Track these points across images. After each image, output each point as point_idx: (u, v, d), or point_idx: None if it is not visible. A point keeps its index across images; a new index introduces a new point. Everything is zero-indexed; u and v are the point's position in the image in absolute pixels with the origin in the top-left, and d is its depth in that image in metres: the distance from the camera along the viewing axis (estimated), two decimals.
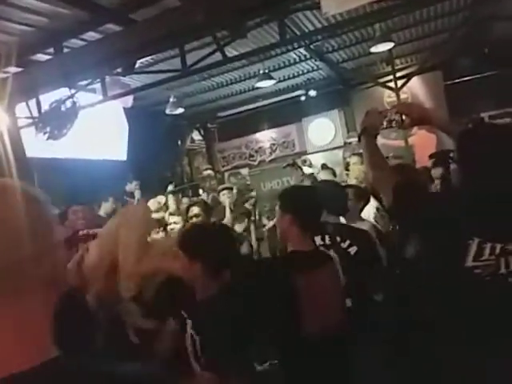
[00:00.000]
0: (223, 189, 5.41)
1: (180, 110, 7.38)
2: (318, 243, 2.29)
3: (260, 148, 9.59)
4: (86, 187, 6.56)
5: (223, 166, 9.91)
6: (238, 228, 4.57)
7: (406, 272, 2.14)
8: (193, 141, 10.15)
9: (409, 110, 1.94)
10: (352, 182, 4.60)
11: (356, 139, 7.97)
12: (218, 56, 3.99)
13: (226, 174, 9.77)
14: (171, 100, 7.09)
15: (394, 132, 7.63)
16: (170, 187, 6.81)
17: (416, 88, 7.94)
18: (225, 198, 5.01)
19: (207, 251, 1.67)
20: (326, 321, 1.80)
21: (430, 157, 4.31)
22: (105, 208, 6.38)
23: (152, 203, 6.31)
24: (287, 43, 4.52)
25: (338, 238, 2.39)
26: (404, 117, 1.95)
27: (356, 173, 4.56)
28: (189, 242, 1.70)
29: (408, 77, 7.28)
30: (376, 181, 1.87)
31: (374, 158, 1.84)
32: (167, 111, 7.19)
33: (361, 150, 7.27)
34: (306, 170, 6.38)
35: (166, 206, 6.29)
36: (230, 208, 4.81)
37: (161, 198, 6.36)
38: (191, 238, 1.75)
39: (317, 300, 1.79)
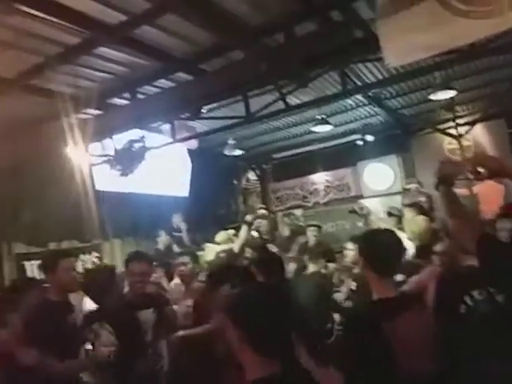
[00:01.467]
0: (310, 225, 5.52)
1: (238, 152, 7.66)
2: None
3: (314, 190, 9.61)
4: (147, 220, 6.95)
5: (276, 206, 10.00)
6: (312, 267, 4.48)
7: None
8: (248, 180, 10.39)
9: (486, 162, 1.90)
10: (408, 235, 4.36)
11: (415, 185, 7.85)
12: (280, 103, 4.17)
13: (279, 215, 9.85)
14: (230, 142, 7.39)
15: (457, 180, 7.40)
16: (249, 217, 6.90)
17: (479, 135, 7.70)
18: (311, 235, 5.01)
19: None
20: (418, 365, 1.73)
21: (502, 209, 4.10)
22: (162, 242, 6.70)
23: (221, 234, 6.44)
24: (348, 93, 4.63)
25: None
26: (480, 168, 1.92)
27: (412, 226, 4.36)
28: None
29: (470, 124, 7.10)
30: (457, 230, 1.87)
31: (454, 207, 1.84)
32: (226, 152, 7.49)
33: (419, 199, 7.07)
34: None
35: (235, 236, 6.37)
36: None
37: (230, 231, 6.52)
38: None
39: (406, 346, 1.72)
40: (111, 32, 3.29)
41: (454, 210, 1.83)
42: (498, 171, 1.86)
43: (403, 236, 4.27)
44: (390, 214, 6.34)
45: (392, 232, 2.14)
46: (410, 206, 4.77)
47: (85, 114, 4.58)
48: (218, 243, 6.28)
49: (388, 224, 6.01)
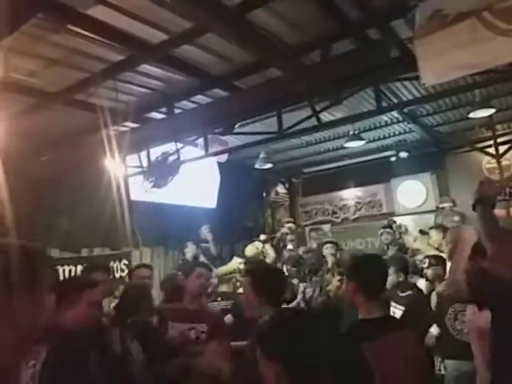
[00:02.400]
0: (327, 242, 5.48)
1: (268, 165, 7.68)
2: None
3: (344, 206, 9.50)
4: (176, 230, 7.06)
5: (305, 221, 9.93)
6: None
7: None
8: (277, 193, 10.38)
9: None
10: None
11: (449, 204, 7.63)
12: (312, 119, 4.18)
13: (307, 229, 9.77)
14: (261, 156, 7.42)
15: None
16: (263, 237, 6.96)
17: None
18: (328, 253, 5.01)
19: None
20: None
21: None
22: (189, 252, 6.82)
23: (250, 249, 6.52)
24: (383, 111, 4.59)
25: None
26: None
27: (434, 246, 4.28)
28: None
29: (511, 143, 6.87)
30: (495, 255, 1.76)
31: (493, 230, 1.76)
32: (256, 166, 7.53)
33: (453, 218, 6.86)
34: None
35: (262, 252, 6.44)
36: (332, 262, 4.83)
37: (258, 244, 6.57)
38: None
39: (386, 368, 1.69)
40: (153, 50, 3.41)
41: (493, 234, 1.75)
42: None
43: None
44: (422, 233, 6.22)
45: (378, 257, 2.26)
46: (437, 227, 4.68)
47: (123, 126, 4.72)
48: (247, 257, 6.33)
49: (421, 243, 5.88)
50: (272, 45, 3.31)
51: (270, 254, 6.17)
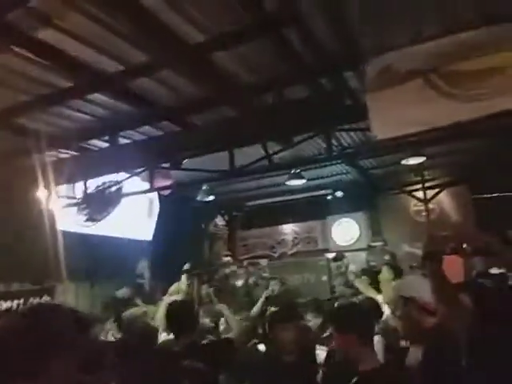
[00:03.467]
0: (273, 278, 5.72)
1: (210, 198, 7.56)
2: None
3: (282, 240, 9.59)
4: (108, 262, 6.59)
5: (243, 254, 9.85)
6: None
7: None
8: (216, 225, 10.23)
9: (471, 240, 1.89)
10: (384, 297, 4.38)
11: (381, 243, 7.98)
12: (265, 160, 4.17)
13: (245, 263, 9.67)
14: (203, 188, 7.30)
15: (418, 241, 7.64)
16: (186, 266, 6.68)
17: (443, 200, 8.04)
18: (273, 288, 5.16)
19: None
20: None
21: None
22: (122, 293, 6.36)
23: (174, 285, 6.19)
24: (334, 158, 4.73)
25: None
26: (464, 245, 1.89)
27: (389, 290, 4.33)
28: None
29: (438, 188, 7.41)
30: (446, 318, 1.75)
31: (443, 291, 1.74)
32: (198, 198, 7.38)
33: (384, 257, 7.13)
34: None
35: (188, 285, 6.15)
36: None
37: (182, 281, 6.30)
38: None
39: None
40: (105, 81, 3.23)
41: (444, 295, 1.74)
42: (482, 249, 1.84)
43: (379, 299, 4.26)
44: (364, 272, 6.40)
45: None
46: (390, 266, 4.81)
47: (62, 154, 4.39)
48: (170, 294, 6.03)
49: (360, 283, 6.02)
50: (228, 84, 3.29)
51: (182, 287, 5.94)
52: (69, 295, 6.52)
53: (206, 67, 2.99)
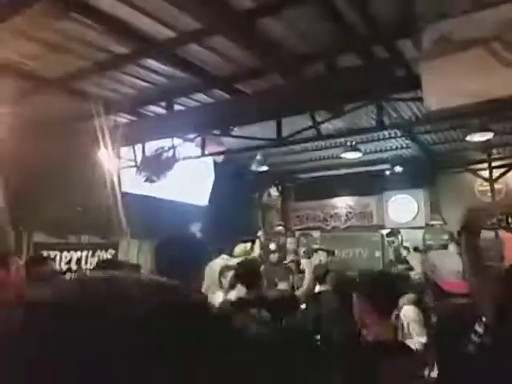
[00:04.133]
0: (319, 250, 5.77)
1: (264, 168, 7.66)
2: None
3: (335, 214, 9.52)
4: (165, 224, 7.00)
5: (295, 225, 9.95)
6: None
7: None
8: (270, 196, 10.36)
9: None
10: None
11: (439, 222, 7.67)
12: (312, 129, 4.16)
13: (297, 234, 9.78)
14: (257, 158, 7.40)
15: None
16: (260, 233, 7.01)
17: (511, 180, 7.51)
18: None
19: None
20: None
21: None
22: None
23: (239, 248, 6.54)
24: (383, 129, 4.59)
25: None
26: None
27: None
28: None
29: (506, 168, 6.91)
30: (476, 290, 1.70)
31: (475, 262, 1.70)
32: (252, 168, 7.50)
33: (442, 236, 6.89)
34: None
35: (251, 248, 6.47)
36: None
37: (248, 245, 6.62)
38: None
39: None
40: (158, 47, 3.36)
41: (476, 266, 1.69)
42: None
43: None
44: (415, 249, 6.27)
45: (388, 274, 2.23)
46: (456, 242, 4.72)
47: (120, 118, 4.67)
48: (235, 256, 6.36)
49: (415, 257, 5.91)
50: (277, 52, 3.29)
51: (256, 251, 6.25)
52: (132, 250, 7.07)
53: (256, 34, 3.01)
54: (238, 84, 4.04)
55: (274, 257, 6.87)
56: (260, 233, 6.97)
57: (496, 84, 2.81)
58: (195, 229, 7.07)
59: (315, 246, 8.53)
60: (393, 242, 6.23)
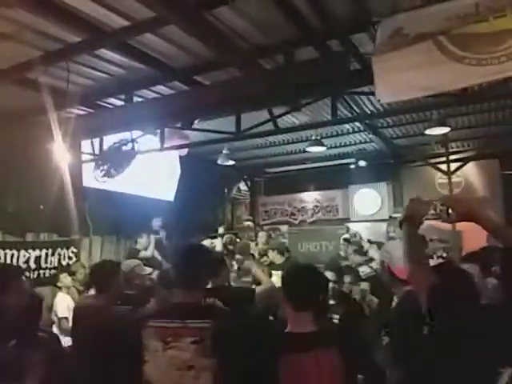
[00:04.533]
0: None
1: (231, 162, 7.65)
2: None
3: (303, 208, 9.62)
4: (130, 220, 6.89)
5: (263, 220, 10.00)
6: None
7: None
8: (239, 190, 10.38)
9: (455, 205, 1.87)
10: None
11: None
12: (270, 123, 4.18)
13: (265, 228, 9.82)
14: (224, 152, 7.39)
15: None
16: (221, 229, 7.01)
17: (470, 174, 7.78)
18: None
19: None
20: None
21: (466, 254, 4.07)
22: (140, 243, 6.69)
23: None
24: (339, 122, 4.66)
25: None
26: (450, 210, 1.88)
27: None
28: None
29: (463, 161, 7.16)
30: (411, 276, 1.78)
31: (413, 251, 1.78)
32: (219, 162, 7.48)
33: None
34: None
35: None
36: None
37: (215, 241, 6.64)
38: None
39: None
40: (112, 36, 3.29)
41: (413, 254, 1.77)
42: (467, 215, 1.80)
43: None
44: (370, 242, 6.41)
45: (312, 268, 2.10)
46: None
47: (78, 110, 4.55)
48: None
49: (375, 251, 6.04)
50: (234, 44, 3.27)
51: (218, 248, 6.26)
52: (95, 247, 6.92)
53: (209, 24, 2.98)
54: (197, 76, 4.01)
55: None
56: (221, 229, 6.97)
57: (444, 78, 2.90)
58: (157, 224, 6.98)
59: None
60: (353, 236, 6.33)
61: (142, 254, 6.50)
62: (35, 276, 5.59)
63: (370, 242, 6.26)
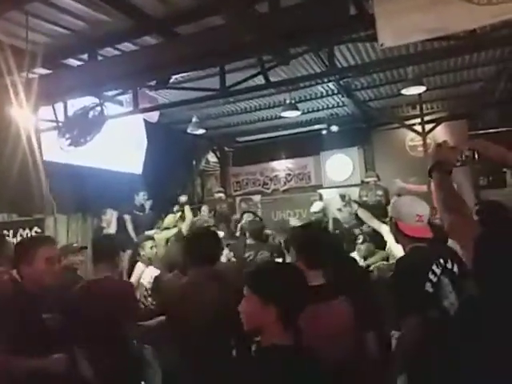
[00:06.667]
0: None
1: (201, 131, 7.29)
2: None
3: (275, 176, 9.45)
4: (96, 195, 6.44)
5: (235, 191, 9.76)
6: None
7: None
8: (208, 162, 10.03)
9: (484, 147, 1.86)
10: None
11: (374, 179, 7.85)
12: (258, 79, 3.87)
13: (238, 199, 9.61)
14: (193, 120, 7.01)
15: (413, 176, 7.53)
16: (184, 198, 6.72)
17: (439, 135, 7.83)
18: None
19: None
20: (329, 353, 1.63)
21: None
22: (105, 220, 6.36)
23: (168, 218, 6.27)
24: (333, 74, 4.40)
25: None
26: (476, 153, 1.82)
27: None
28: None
29: (435, 122, 7.19)
30: (453, 228, 1.55)
31: (451, 199, 1.59)
32: (188, 130, 7.10)
33: (377, 192, 7.13)
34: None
35: (181, 217, 6.22)
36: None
37: (178, 214, 6.38)
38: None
39: (317, 333, 1.67)
40: None
41: (452, 203, 1.58)
42: (496, 157, 1.77)
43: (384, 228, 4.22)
44: (343, 198, 6.38)
45: (322, 229, 2.46)
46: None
47: (34, 72, 4.03)
48: (164, 227, 6.10)
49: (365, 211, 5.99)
50: None
51: (188, 215, 6.02)
52: (60, 226, 6.43)
53: None
54: (175, 27, 3.60)
55: (210, 221, 6.65)
56: (183, 198, 6.69)
57: (452, 19, 2.70)
58: (143, 198, 6.68)
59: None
60: (344, 197, 6.34)
61: (105, 231, 6.18)
62: None
63: (356, 202, 6.19)
